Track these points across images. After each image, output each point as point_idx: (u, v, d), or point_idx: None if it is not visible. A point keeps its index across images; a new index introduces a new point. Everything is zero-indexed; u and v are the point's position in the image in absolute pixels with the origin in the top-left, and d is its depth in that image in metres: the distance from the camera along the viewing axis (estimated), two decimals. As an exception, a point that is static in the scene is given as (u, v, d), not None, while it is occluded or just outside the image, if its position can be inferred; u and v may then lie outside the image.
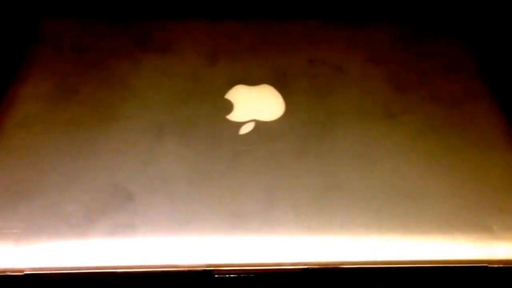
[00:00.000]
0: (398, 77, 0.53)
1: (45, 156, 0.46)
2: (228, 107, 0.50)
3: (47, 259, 0.41)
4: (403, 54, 0.55)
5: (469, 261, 0.42)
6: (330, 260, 0.42)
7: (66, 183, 0.45)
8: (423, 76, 0.53)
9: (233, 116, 0.49)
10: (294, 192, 0.44)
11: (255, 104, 0.51)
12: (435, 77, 0.53)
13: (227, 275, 0.42)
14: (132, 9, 0.62)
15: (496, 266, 0.42)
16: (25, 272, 0.41)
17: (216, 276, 0.42)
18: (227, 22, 0.58)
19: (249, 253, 0.41)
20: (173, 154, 0.47)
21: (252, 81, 0.52)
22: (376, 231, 0.42)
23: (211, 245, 0.42)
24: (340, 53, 0.55)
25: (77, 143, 0.47)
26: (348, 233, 0.42)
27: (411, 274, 0.43)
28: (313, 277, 0.43)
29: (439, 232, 0.42)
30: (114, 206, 0.43)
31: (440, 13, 0.60)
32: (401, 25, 0.58)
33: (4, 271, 0.41)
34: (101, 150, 0.47)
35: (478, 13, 0.61)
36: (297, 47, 0.56)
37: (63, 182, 0.45)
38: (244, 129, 0.48)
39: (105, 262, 0.41)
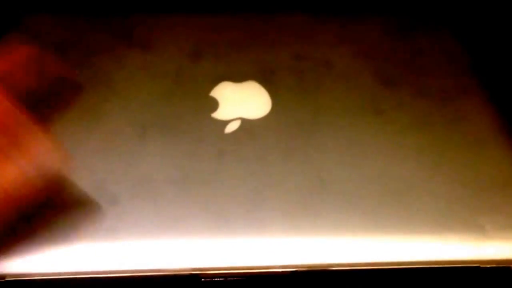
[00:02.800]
0: (387, 72, 0.52)
1: (25, 157, 0.45)
2: (213, 105, 0.49)
3: (29, 264, 0.40)
4: (392, 49, 0.54)
5: (460, 262, 0.41)
6: (319, 262, 0.41)
7: (47, 185, 0.43)
8: (412, 71, 0.52)
9: (218, 114, 0.48)
10: (281, 193, 0.43)
11: (241, 101, 0.50)
12: (425, 72, 0.52)
13: (214, 279, 0.41)
14: (115, 4, 0.61)
15: (488, 266, 0.41)
16: (6, 279, 0.40)
17: (203, 280, 0.41)
18: (210, 17, 0.57)
19: (236, 256, 0.40)
20: (157, 154, 0.45)
21: (237, 78, 0.51)
22: (365, 232, 0.42)
23: (197, 248, 0.40)
24: (327, 48, 0.54)
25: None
26: (337, 235, 0.41)
27: (402, 275, 0.42)
28: (302, 279, 0.42)
29: (429, 232, 0.42)
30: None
31: (430, 6, 0.59)
32: (390, 19, 0.57)
33: (-16, 278, 0.40)
34: (83, 150, 0.46)
35: (468, 7, 0.60)
36: (283, 42, 0.55)
37: (44, 184, 0.43)
38: (230, 128, 0.47)
39: (88, 267, 0.40)
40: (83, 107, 0.49)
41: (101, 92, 0.50)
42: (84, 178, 0.44)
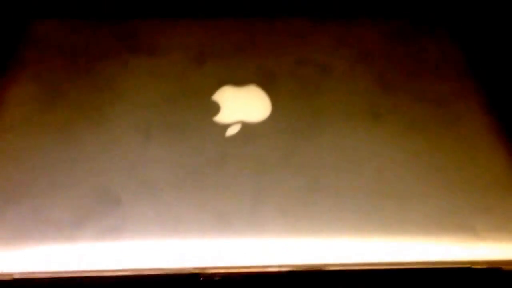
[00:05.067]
0: (385, 76, 0.53)
1: (32, 159, 0.46)
2: (215, 109, 0.50)
3: (36, 263, 0.41)
4: (391, 53, 0.55)
5: (453, 263, 0.42)
6: (316, 262, 0.42)
7: (54, 187, 0.45)
8: (411, 74, 0.53)
9: (219, 118, 0.49)
10: (280, 195, 0.44)
11: (242, 105, 0.51)
12: (423, 75, 0.53)
13: (213, 278, 0.43)
14: (120, 9, 0.62)
15: (480, 267, 0.42)
16: (14, 277, 0.42)
17: (202, 279, 0.42)
18: (214, 21, 0.58)
19: (235, 256, 0.42)
20: (160, 157, 0.47)
21: (239, 82, 0.52)
22: (361, 233, 0.43)
23: (197, 248, 0.42)
24: (327, 52, 0.55)
25: (65, 146, 0.47)
26: (333, 235, 0.42)
27: (395, 275, 0.43)
28: (299, 279, 0.43)
29: (422, 233, 0.43)
30: (101, 209, 0.43)
31: (429, 10, 0.59)
32: (389, 23, 0.58)
33: (-7, 275, 0.42)
34: (89, 154, 0.47)
35: (466, 10, 0.61)
36: (285, 47, 0.56)
37: (51, 186, 0.45)
38: (231, 131, 0.49)
39: (93, 266, 0.41)
40: (89, 110, 0.50)
41: (106, 96, 0.51)
42: (89, 179, 0.45)
